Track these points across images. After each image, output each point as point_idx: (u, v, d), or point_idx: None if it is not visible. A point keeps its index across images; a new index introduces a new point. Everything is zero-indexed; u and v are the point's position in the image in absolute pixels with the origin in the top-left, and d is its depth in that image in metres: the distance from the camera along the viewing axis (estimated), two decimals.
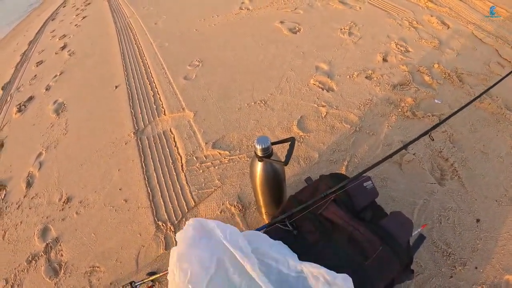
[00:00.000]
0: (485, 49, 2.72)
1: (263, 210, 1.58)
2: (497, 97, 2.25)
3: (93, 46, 4.37)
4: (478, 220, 1.56)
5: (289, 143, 1.22)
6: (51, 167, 2.47)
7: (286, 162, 1.15)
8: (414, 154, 1.86)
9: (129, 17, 4.97)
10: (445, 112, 2.13)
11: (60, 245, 1.93)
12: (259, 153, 1.21)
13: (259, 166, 1.29)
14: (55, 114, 3.07)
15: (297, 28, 3.38)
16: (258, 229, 1.31)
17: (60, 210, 2.12)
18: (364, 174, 1.22)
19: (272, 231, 1.23)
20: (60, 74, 3.84)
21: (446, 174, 1.78)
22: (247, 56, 3.05)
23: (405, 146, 1.26)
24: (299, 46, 3.02)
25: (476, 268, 1.42)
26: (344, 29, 3.17)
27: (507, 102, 2.25)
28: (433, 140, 1.68)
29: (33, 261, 1.90)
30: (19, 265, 1.92)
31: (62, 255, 1.87)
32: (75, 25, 5.58)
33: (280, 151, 1.31)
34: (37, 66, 4.44)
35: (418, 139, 1.27)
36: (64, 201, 2.15)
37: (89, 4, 6.68)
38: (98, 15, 5.73)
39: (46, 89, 3.63)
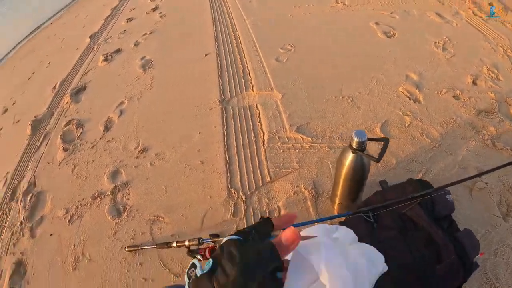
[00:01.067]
0: None
1: (337, 201, 1.67)
2: None
3: (184, 13, 4.65)
4: None
5: (384, 142, 1.32)
6: (132, 117, 2.70)
7: (379, 159, 1.25)
8: (486, 183, 1.86)
9: None
10: None
11: (128, 189, 2.12)
12: (354, 145, 1.30)
13: (350, 157, 1.38)
14: (142, 69, 3.33)
15: (391, 33, 3.37)
16: (342, 215, 1.40)
17: (134, 158, 2.32)
18: (447, 188, 1.33)
19: (354, 219, 1.35)
20: (150, 33, 4.14)
21: None
22: (340, 50, 3.12)
23: (485, 172, 1.32)
24: (392, 51, 3.03)
25: None
26: (438, 43, 3.13)
27: None
28: None
29: (98, 198, 2.11)
30: (83, 199, 2.14)
31: (128, 199, 2.06)
32: None
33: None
34: (127, 22, 4.81)
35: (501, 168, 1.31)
36: (140, 150, 2.35)
37: None
38: None
39: (135, 45, 3.93)
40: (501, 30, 3.34)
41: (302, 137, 2.18)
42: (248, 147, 2.19)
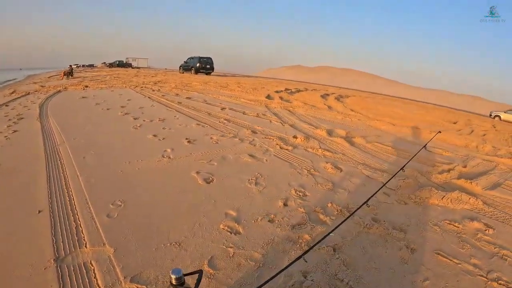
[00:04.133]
0: (373, 184, 3.48)
1: None
2: (384, 221, 2.96)
3: (20, 164, 4.50)
4: None
5: (198, 274, 1.64)
6: None
7: None
8: (312, 280, 2.35)
9: (59, 144, 5.28)
10: (338, 242, 2.78)
11: None
12: (174, 282, 1.56)
13: None
14: None
15: (211, 178, 4.02)
16: None
17: None
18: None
19: None
20: None
21: None
22: (165, 200, 3.53)
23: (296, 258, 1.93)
24: (212, 195, 3.62)
25: None
26: (251, 180, 3.87)
27: (394, 224, 3.00)
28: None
29: None
30: None
31: None
32: (5, 136, 5.69)
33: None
34: None
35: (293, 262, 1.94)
36: None
37: (22, 118, 6.84)
38: (29, 133, 5.92)
39: None
40: (304, 155, 4.31)
41: (137, 286, 2.36)
42: None
